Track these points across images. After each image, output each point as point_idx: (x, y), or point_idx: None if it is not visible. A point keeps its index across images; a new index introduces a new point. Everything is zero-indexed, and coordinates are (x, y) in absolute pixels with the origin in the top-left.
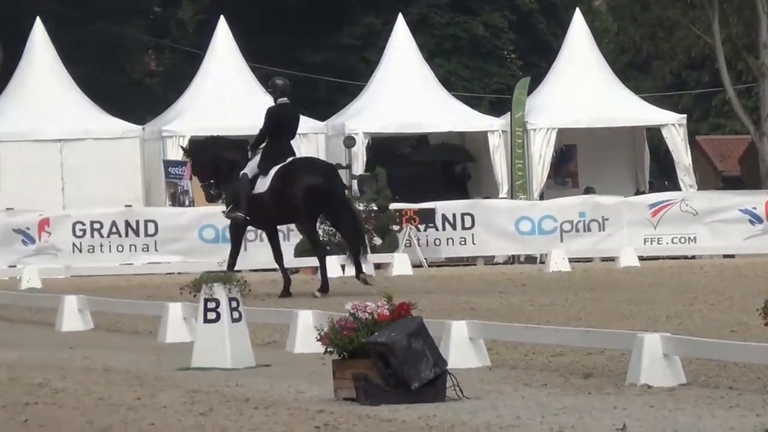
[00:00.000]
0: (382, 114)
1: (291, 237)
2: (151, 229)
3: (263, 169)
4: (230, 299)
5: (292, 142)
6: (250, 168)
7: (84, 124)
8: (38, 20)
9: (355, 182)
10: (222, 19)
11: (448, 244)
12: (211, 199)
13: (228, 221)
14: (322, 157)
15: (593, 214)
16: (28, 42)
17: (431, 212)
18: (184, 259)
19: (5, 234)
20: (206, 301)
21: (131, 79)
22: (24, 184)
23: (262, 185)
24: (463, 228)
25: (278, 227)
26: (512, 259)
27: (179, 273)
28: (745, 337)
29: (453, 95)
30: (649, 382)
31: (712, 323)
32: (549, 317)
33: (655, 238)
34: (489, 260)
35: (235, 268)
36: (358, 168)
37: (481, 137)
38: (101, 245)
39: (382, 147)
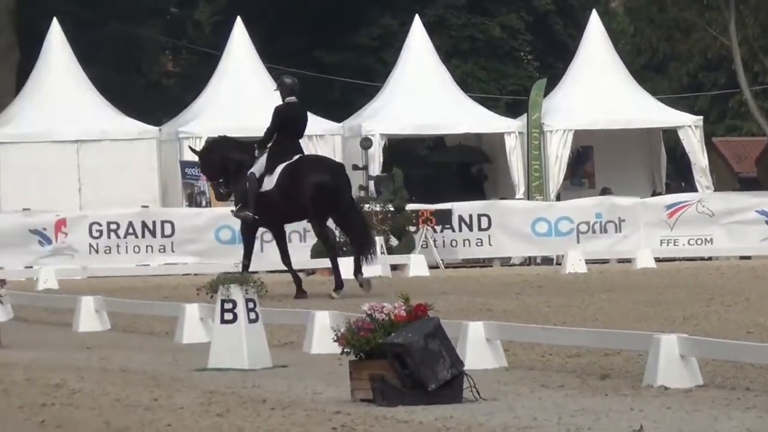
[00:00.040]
0: (399, 115)
1: (308, 238)
2: (167, 229)
3: (270, 168)
4: (247, 300)
5: (301, 141)
6: (258, 167)
7: (101, 125)
8: (55, 21)
9: (371, 183)
10: (239, 20)
11: (464, 245)
12: (220, 198)
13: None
14: (339, 158)
15: (610, 216)
16: (45, 42)
17: (448, 213)
18: (200, 260)
19: (22, 235)
20: (223, 302)
21: (148, 79)
22: (41, 184)
23: (269, 183)
24: (480, 229)
25: (296, 229)
26: (529, 261)
27: (196, 274)
28: (762, 338)
29: (469, 96)
30: (666, 384)
31: (729, 324)
32: (566, 318)
33: (671, 239)
34: (505, 261)
35: (252, 269)
36: (375, 169)
37: (498, 138)
38: (118, 246)
39: (399, 148)
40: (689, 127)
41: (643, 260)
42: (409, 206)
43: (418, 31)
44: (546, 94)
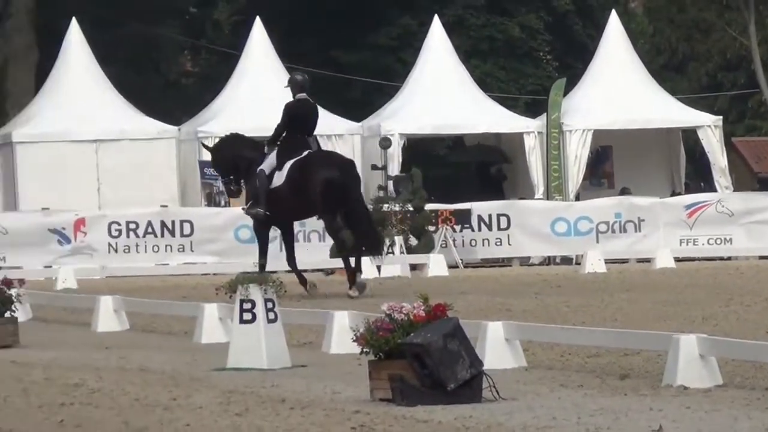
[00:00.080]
0: (418, 115)
1: (326, 238)
2: (186, 229)
3: (279, 164)
4: (266, 300)
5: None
6: (268, 164)
7: (120, 125)
8: (74, 20)
9: (390, 183)
10: (258, 19)
11: (483, 245)
12: (231, 194)
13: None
14: (358, 158)
15: (629, 215)
16: (64, 42)
17: (467, 213)
18: (219, 260)
19: (41, 234)
20: (242, 301)
21: (167, 79)
22: (60, 184)
23: (279, 179)
24: (499, 229)
25: (315, 229)
26: (548, 260)
27: (215, 274)
28: None
29: (489, 96)
30: (686, 383)
31: (748, 324)
32: (585, 318)
33: (690, 239)
34: (524, 261)
35: (271, 269)
36: (394, 169)
37: (517, 138)
38: (137, 245)
39: (418, 148)
40: (708, 127)
41: (663, 260)
42: (429, 206)
43: (437, 31)
44: (565, 94)
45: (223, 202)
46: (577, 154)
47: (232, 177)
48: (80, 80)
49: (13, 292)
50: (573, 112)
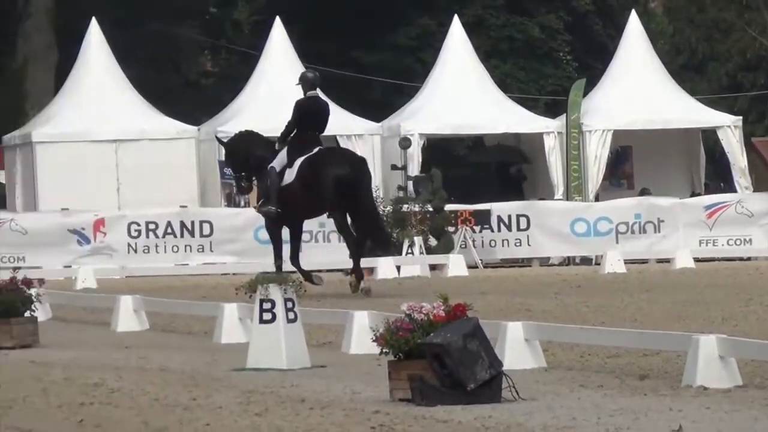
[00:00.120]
0: (438, 115)
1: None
2: (206, 229)
3: (290, 161)
4: (286, 300)
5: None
6: (278, 161)
7: (139, 125)
8: (94, 20)
9: (410, 183)
10: (278, 20)
11: (503, 246)
12: (241, 191)
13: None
14: (378, 158)
15: (649, 216)
16: (84, 42)
17: (486, 213)
18: (239, 260)
19: (61, 234)
20: (262, 301)
21: (187, 79)
22: (79, 184)
23: (290, 177)
24: (519, 229)
25: (335, 229)
26: (567, 261)
27: (234, 274)
28: None
29: (508, 97)
30: (705, 384)
31: None
32: (604, 318)
33: (710, 239)
34: (544, 261)
35: (290, 269)
36: (414, 169)
37: (537, 139)
38: (156, 246)
39: (438, 148)
40: (728, 128)
41: (682, 260)
42: (448, 206)
43: (457, 31)
44: (585, 94)
45: (242, 203)
46: (597, 154)
47: (243, 174)
48: (100, 80)
49: (33, 291)
50: (593, 112)
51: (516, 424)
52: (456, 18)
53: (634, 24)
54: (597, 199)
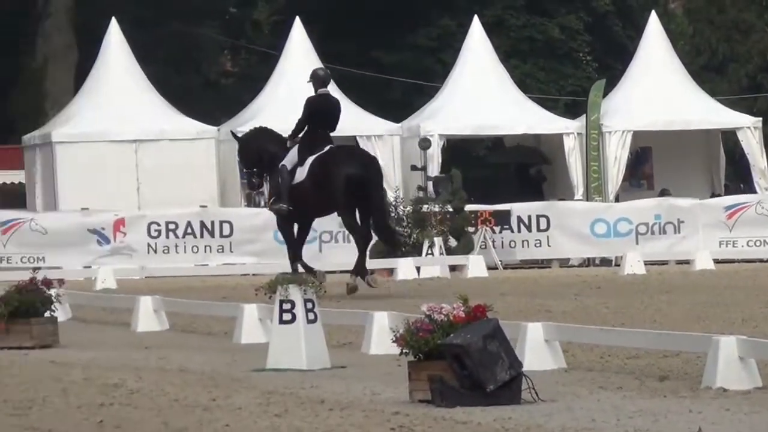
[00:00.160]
0: (458, 116)
1: None
2: (226, 230)
3: (301, 159)
4: (305, 300)
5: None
6: (289, 159)
7: (159, 125)
8: (114, 20)
9: (430, 184)
10: (297, 20)
11: (523, 246)
12: (252, 187)
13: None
14: (398, 159)
15: (669, 217)
16: (104, 42)
17: (506, 214)
18: (259, 261)
19: (80, 234)
20: (282, 302)
21: (206, 79)
22: (99, 184)
23: (301, 175)
24: (538, 230)
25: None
26: (587, 262)
27: (254, 274)
28: None
29: (528, 97)
30: (725, 385)
31: None
32: (624, 320)
33: (730, 240)
34: (564, 262)
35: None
36: (434, 170)
37: (557, 139)
38: (176, 246)
39: (458, 149)
40: (748, 129)
41: (702, 261)
42: (468, 207)
43: (477, 31)
44: (605, 95)
45: (262, 203)
46: (617, 155)
47: (255, 169)
48: (120, 80)
49: (52, 292)
50: (612, 113)
51: (536, 426)
52: (476, 18)
53: (654, 25)
54: (617, 199)
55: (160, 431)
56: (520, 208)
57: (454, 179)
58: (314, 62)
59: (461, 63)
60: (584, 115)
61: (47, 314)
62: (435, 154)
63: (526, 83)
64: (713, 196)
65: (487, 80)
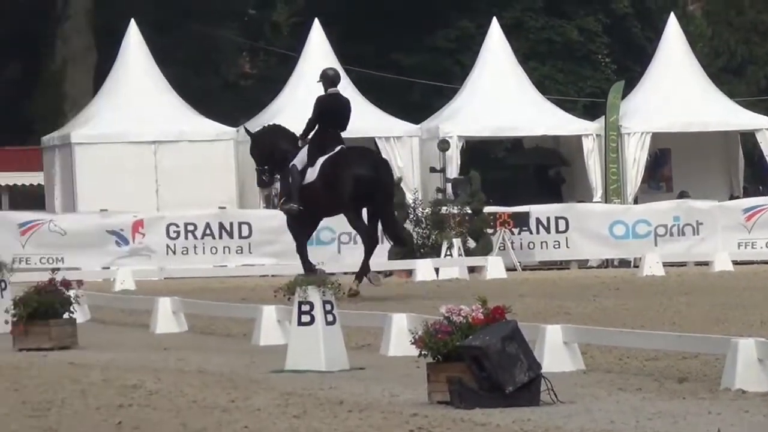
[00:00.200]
0: (477, 117)
1: (383, 240)
2: (245, 231)
3: (311, 160)
4: (324, 302)
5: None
6: (300, 159)
7: (178, 126)
8: (133, 22)
9: (449, 186)
10: (316, 21)
11: (542, 248)
12: (262, 184)
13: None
14: (417, 160)
15: (687, 219)
16: (123, 43)
17: (525, 216)
18: (277, 262)
19: (99, 235)
20: (300, 303)
21: (225, 81)
22: (118, 185)
23: (312, 175)
24: (557, 232)
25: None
26: (606, 263)
27: (273, 275)
28: None
29: (547, 99)
30: (744, 387)
31: None
32: (643, 321)
33: (749, 242)
34: (583, 264)
35: (329, 271)
36: (453, 171)
37: (576, 141)
38: (195, 247)
39: (477, 150)
40: (767, 130)
41: (721, 263)
42: (487, 209)
43: (495, 33)
44: (624, 96)
45: None
46: (636, 156)
47: (266, 167)
48: (139, 81)
49: (71, 293)
50: (631, 114)
51: (554, 427)
52: (495, 20)
53: (672, 27)
54: (636, 201)
55: None
56: (538, 210)
57: (473, 181)
58: (333, 64)
59: (480, 65)
60: (603, 116)
61: (66, 315)
62: (454, 155)
63: (544, 85)
64: (732, 198)
65: (506, 82)
